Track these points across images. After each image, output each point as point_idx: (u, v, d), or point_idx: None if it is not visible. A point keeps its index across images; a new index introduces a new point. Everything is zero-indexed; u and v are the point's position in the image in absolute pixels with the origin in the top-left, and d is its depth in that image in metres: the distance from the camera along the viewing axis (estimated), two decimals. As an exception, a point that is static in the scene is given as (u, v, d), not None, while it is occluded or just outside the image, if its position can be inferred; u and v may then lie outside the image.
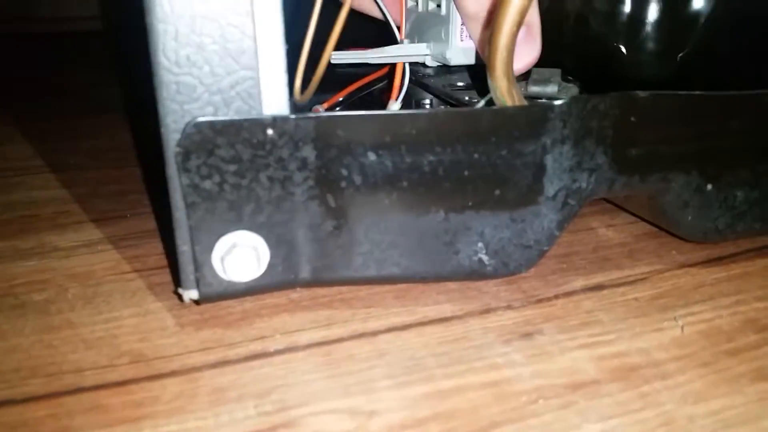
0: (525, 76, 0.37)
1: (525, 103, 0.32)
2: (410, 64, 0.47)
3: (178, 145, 0.27)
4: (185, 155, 0.27)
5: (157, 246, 0.39)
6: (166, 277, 0.36)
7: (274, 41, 0.28)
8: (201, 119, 0.27)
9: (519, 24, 0.29)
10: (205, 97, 0.27)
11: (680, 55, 0.40)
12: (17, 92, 0.84)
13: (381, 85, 0.52)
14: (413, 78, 0.48)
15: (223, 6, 0.26)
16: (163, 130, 0.27)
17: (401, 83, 0.41)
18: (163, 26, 0.26)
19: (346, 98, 0.55)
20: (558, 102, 0.30)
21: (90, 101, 0.79)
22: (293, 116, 0.28)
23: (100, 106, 0.76)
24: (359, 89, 0.54)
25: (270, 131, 0.28)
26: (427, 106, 0.49)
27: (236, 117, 0.28)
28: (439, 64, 0.45)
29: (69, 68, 1.01)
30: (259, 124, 0.28)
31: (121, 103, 0.78)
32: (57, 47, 1.18)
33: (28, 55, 1.13)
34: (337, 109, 0.56)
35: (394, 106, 0.40)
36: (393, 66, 0.44)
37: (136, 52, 0.36)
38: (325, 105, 0.55)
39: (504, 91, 0.31)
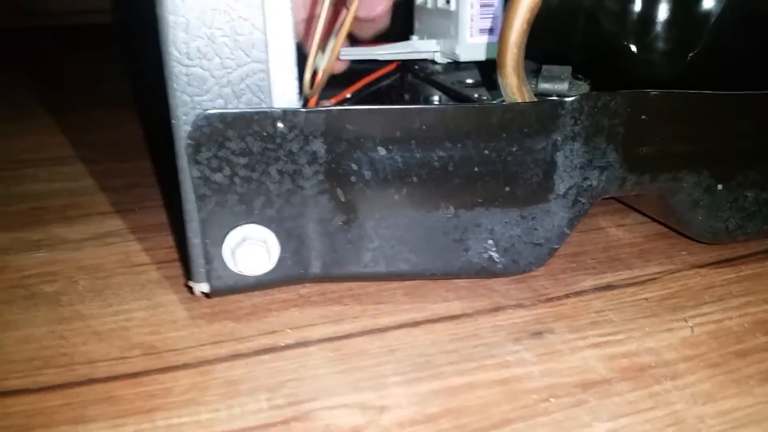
0: (536, 73, 0.37)
1: (535, 100, 0.31)
2: (419, 60, 0.47)
3: (189, 137, 0.27)
4: (196, 147, 0.27)
5: (165, 239, 0.39)
6: (176, 270, 0.36)
7: (284, 34, 0.28)
8: (211, 111, 0.27)
9: (529, 22, 0.29)
10: (216, 89, 0.27)
11: (690, 54, 0.40)
12: (23, 85, 0.85)
13: (389, 81, 0.52)
14: (422, 74, 0.48)
15: (235, -2, 0.26)
16: (174, 121, 0.27)
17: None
18: (174, 18, 0.26)
19: (354, 94, 0.55)
20: (569, 98, 0.30)
21: (96, 94, 0.79)
22: (303, 109, 0.28)
23: (106, 100, 0.76)
24: (367, 85, 0.54)
25: (280, 124, 0.28)
26: (436, 103, 0.49)
27: (246, 109, 0.28)
28: (448, 60, 0.45)
29: (75, 61, 1.01)
30: (269, 116, 0.28)
31: (126, 96, 0.78)
32: (62, 40, 1.19)
33: (33, 48, 1.13)
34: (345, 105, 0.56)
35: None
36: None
37: (145, 44, 0.36)
38: (333, 101, 0.55)
39: (514, 88, 0.31)
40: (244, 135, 0.28)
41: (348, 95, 0.55)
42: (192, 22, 0.26)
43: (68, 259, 0.37)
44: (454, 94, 0.45)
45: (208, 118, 0.27)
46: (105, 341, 0.30)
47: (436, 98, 0.49)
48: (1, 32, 1.20)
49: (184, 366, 0.28)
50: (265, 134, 0.28)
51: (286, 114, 0.28)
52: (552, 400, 0.26)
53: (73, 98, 0.78)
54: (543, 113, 0.30)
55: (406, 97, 0.51)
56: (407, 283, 0.34)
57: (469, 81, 0.45)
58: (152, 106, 0.69)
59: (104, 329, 0.31)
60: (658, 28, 0.40)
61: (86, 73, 0.92)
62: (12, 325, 0.31)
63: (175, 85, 0.27)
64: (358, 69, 0.50)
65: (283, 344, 0.30)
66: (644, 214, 0.42)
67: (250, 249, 0.29)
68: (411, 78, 0.49)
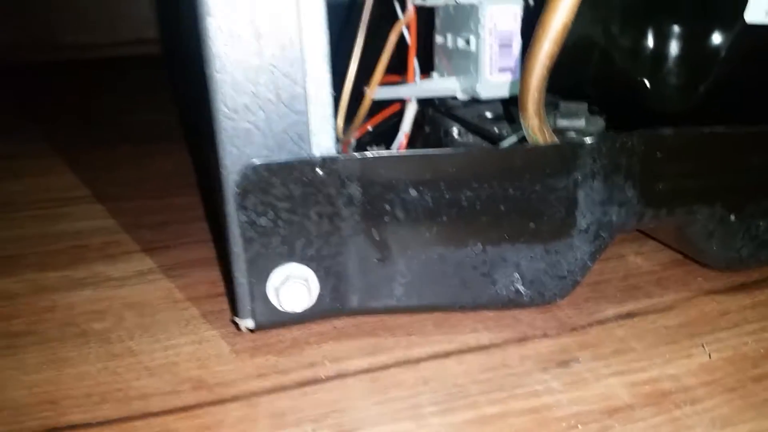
0: (553, 107, 0.39)
1: (555, 139, 0.33)
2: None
3: (237, 185, 0.29)
4: (243, 195, 0.30)
5: (204, 275, 0.41)
6: (217, 305, 0.38)
7: (322, 88, 0.30)
8: (257, 161, 0.29)
9: (549, 68, 0.31)
10: (261, 141, 0.30)
11: (702, 87, 0.42)
12: (50, 121, 0.87)
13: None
14: (442, 108, 0.50)
15: (276, 57, 0.29)
16: (222, 171, 0.30)
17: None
18: (221, 76, 0.28)
19: (376, 127, 0.57)
20: (588, 140, 0.32)
21: (121, 129, 0.82)
22: (341, 156, 0.30)
23: (132, 134, 0.78)
24: (388, 118, 0.56)
25: (319, 171, 0.30)
26: (455, 135, 0.50)
27: (289, 158, 0.30)
28: (469, 97, 0.46)
29: (99, 95, 1.04)
30: (310, 164, 0.30)
31: (151, 130, 0.80)
32: (89, 75, 1.21)
33: (57, 83, 1.16)
34: (366, 138, 0.58)
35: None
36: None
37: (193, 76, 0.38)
38: (357, 134, 0.57)
39: (536, 129, 0.33)
40: (286, 182, 0.30)
41: (370, 128, 0.57)
42: (238, 80, 0.28)
43: (114, 296, 0.39)
44: (474, 128, 0.47)
45: (255, 168, 0.29)
46: (156, 376, 0.32)
47: (455, 131, 0.51)
48: (26, 67, 1.24)
49: (233, 399, 0.30)
50: (305, 180, 0.30)
51: (324, 161, 0.30)
52: (579, 426, 0.28)
53: (101, 133, 0.80)
54: (564, 154, 0.32)
55: (427, 129, 0.53)
56: (437, 314, 0.36)
57: (489, 115, 0.47)
58: (180, 143, 0.72)
59: (154, 365, 0.33)
60: (670, 63, 0.42)
61: (113, 107, 0.95)
62: (68, 363, 0.33)
63: (224, 138, 0.29)
64: (378, 100, 0.52)
65: (323, 376, 0.32)
66: (661, 242, 0.44)
67: (293, 287, 0.31)
68: (432, 111, 0.52)
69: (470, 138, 0.49)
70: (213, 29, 0.27)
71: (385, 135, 0.57)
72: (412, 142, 0.52)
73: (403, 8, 0.39)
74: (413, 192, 0.32)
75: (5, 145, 0.75)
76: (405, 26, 0.44)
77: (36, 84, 1.14)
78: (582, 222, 0.33)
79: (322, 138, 0.31)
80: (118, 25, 1.35)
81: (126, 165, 0.67)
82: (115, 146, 0.74)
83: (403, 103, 0.52)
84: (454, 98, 0.48)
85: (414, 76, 0.45)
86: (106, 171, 0.65)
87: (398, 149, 0.47)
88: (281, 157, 0.30)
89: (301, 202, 0.31)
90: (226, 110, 0.29)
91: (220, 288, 0.40)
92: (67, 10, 1.32)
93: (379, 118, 0.56)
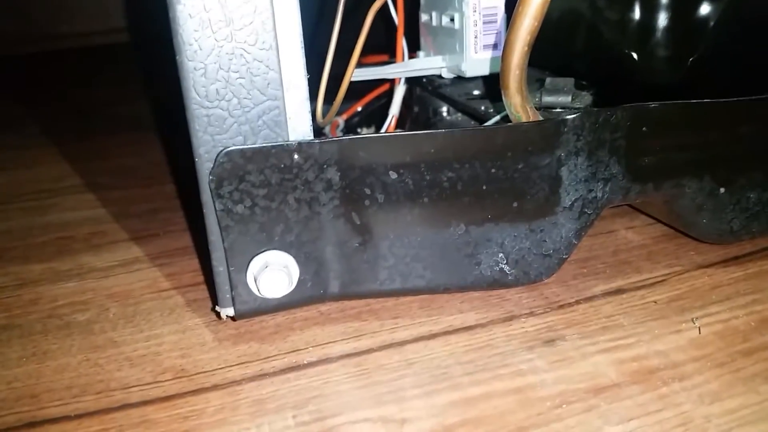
0: (540, 83, 0.39)
1: (539, 117, 0.33)
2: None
3: (212, 173, 0.29)
4: (218, 182, 0.29)
5: (190, 263, 0.41)
6: (201, 293, 0.38)
7: (297, 72, 0.29)
8: (232, 148, 0.29)
9: (529, 44, 0.31)
10: (235, 128, 0.29)
11: (690, 59, 0.41)
12: (38, 113, 0.87)
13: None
14: (429, 87, 0.49)
15: (249, 43, 0.28)
16: (196, 159, 0.29)
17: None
18: (193, 64, 0.28)
19: (364, 108, 0.57)
20: (570, 116, 0.32)
21: (111, 119, 0.81)
22: (318, 141, 0.30)
23: (122, 124, 0.78)
24: (377, 98, 0.55)
25: (296, 156, 0.30)
26: (444, 114, 0.50)
27: (264, 144, 0.29)
28: (455, 75, 0.46)
29: (87, 85, 1.03)
30: (286, 149, 0.30)
31: (142, 119, 0.80)
32: (76, 64, 1.21)
33: (43, 73, 1.15)
34: (356, 119, 0.57)
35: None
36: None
37: (163, 67, 0.37)
38: (344, 116, 0.56)
39: (518, 107, 0.32)
40: (262, 168, 0.29)
41: (359, 108, 0.57)
42: (210, 66, 0.28)
43: (98, 287, 0.39)
44: (461, 107, 0.46)
45: (229, 155, 0.29)
46: (138, 366, 0.32)
47: (444, 110, 0.50)
48: (9, 59, 1.23)
49: (214, 387, 0.30)
50: (282, 166, 0.30)
51: (301, 146, 0.30)
52: (564, 406, 0.28)
53: (90, 123, 0.80)
54: (546, 131, 0.31)
55: (415, 109, 0.52)
56: (422, 296, 0.36)
57: (476, 92, 0.46)
58: (168, 130, 0.72)
59: (136, 355, 0.32)
60: (658, 35, 0.41)
61: (100, 97, 0.94)
62: (49, 355, 0.33)
63: (197, 126, 0.28)
64: (365, 82, 0.52)
65: (306, 362, 0.31)
66: (652, 217, 0.43)
67: (272, 274, 0.31)
68: (419, 91, 0.51)
69: (459, 117, 0.49)
70: (182, 16, 0.27)
71: (374, 115, 0.57)
72: (401, 123, 0.51)
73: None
74: (393, 174, 0.31)
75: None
76: (392, 4, 0.43)
77: (20, 75, 1.13)
78: (566, 199, 0.33)
79: (299, 123, 0.30)
80: (98, 13, 1.34)
81: (115, 154, 0.66)
82: (103, 136, 0.73)
83: (391, 82, 0.51)
84: (441, 77, 0.47)
85: (403, 56, 0.44)
86: (95, 161, 0.64)
87: (387, 131, 0.47)
88: (256, 143, 0.30)
89: (278, 188, 0.30)
90: (197, 97, 0.28)
91: (205, 276, 0.39)
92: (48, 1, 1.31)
93: (367, 98, 0.55)
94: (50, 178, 0.60)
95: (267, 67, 0.29)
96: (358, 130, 0.58)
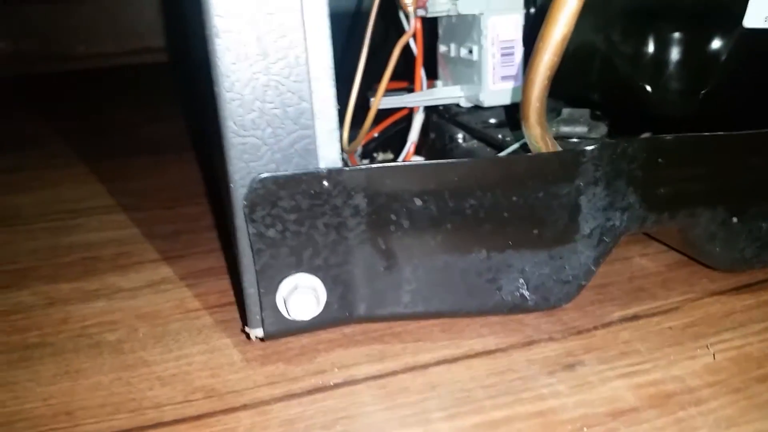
0: (555, 113, 0.40)
1: (558, 147, 0.34)
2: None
3: (246, 199, 0.30)
4: (252, 207, 0.30)
5: (216, 284, 0.42)
6: (228, 314, 0.39)
7: (328, 103, 0.31)
8: (265, 175, 0.30)
9: (549, 78, 0.32)
10: (268, 155, 0.30)
11: (702, 92, 0.42)
12: (61, 132, 0.88)
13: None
14: (446, 115, 0.50)
15: (284, 75, 0.29)
16: (231, 185, 0.30)
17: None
18: (230, 95, 0.29)
19: (382, 134, 0.58)
20: (589, 147, 0.33)
21: (133, 139, 0.83)
22: (346, 168, 0.31)
23: (144, 144, 0.79)
24: (394, 124, 0.56)
25: (326, 183, 0.31)
26: (460, 141, 0.51)
27: (296, 171, 0.31)
28: (472, 104, 0.47)
29: (110, 105, 1.05)
30: (316, 176, 0.31)
31: (164, 140, 0.81)
32: (94, 84, 1.23)
33: (65, 93, 1.17)
34: (372, 144, 0.58)
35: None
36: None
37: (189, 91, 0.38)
38: (363, 141, 0.58)
39: (538, 138, 0.33)
40: (294, 194, 0.31)
41: (375, 134, 0.58)
42: (246, 98, 0.29)
43: (126, 307, 0.40)
44: (478, 134, 0.47)
45: (263, 182, 0.30)
46: (169, 385, 0.33)
47: (460, 136, 0.51)
48: (32, 78, 1.25)
49: (244, 407, 0.31)
50: (312, 192, 0.31)
51: (330, 173, 0.31)
52: (585, 429, 0.29)
53: (112, 143, 0.81)
54: (566, 162, 0.33)
55: (432, 136, 0.53)
56: (443, 319, 0.37)
57: (492, 120, 0.47)
58: (192, 152, 0.73)
59: (167, 374, 0.33)
60: (671, 68, 0.43)
61: (123, 117, 0.96)
62: (82, 373, 0.34)
63: (233, 154, 0.30)
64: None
65: (332, 383, 0.32)
66: (665, 244, 0.44)
67: (301, 296, 0.32)
68: (436, 117, 0.52)
69: (474, 143, 0.50)
70: (221, 50, 0.28)
71: (390, 140, 0.58)
72: (417, 149, 0.52)
73: (408, 20, 0.40)
74: (418, 201, 0.32)
75: (16, 158, 0.77)
76: (411, 38, 0.45)
77: (40, 94, 1.15)
78: (585, 227, 0.34)
79: (328, 150, 0.31)
80: (123, 34, 1.36)
81: (137, 175, 0.68)
82: (126, 157, 0.75)
83: (409, 109, 0.53)
84: (458, 105, 0.48)
85: (421, 85, 0.46)
86: (117, 181, 0.65)
87: (406, 157, 0.48)
88: (288, 170, 0.31)
89: (308, 213, 0.31)
90: (234, 126, 0.29)
91: (231, 297, 0.41)
92: (72, 21, 1.34)
93: (384, 124, 0.56)
94: (74, 198, 0.61)
95: (300, 98, 0.30)
96: (374, 154, 0.60)
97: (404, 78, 0.53)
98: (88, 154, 0.76)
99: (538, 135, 0.33)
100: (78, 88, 1.20)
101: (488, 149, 0.46)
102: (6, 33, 1.32)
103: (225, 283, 0.42)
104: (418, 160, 0.53)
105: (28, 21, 1.32)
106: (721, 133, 0.35)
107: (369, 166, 0.31)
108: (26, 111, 1.02)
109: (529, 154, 0.34)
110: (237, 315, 0.38)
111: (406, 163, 0.32)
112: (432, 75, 0.51)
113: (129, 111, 0.99)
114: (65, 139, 0.84)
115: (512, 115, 0.47)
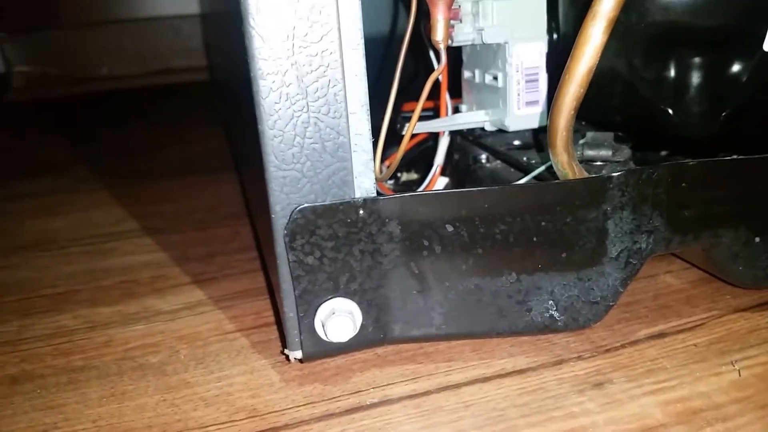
0: (580, 138, 0.41)
1: (584, 173, 0.35)
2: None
3: (286, 228, 0.32)
4: (292, 236, 0.32)
5: (252, 306, 0.44)
6: (265, 335, 0.40)
7: (363, 137, 0.32)
8: (305, 206, 0.31)
9: (575, 108, 0.33)
10: (308, 187, 0.32)
11: (723, 114, 0.43)
12: (90, 156, 0.90)
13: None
14: (470, 137, 0.52)
15: (323, 112, 0.31)
16: (272, 216, 0.32)
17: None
18: (273, 132, 0.31)
19: (405, 154, 0.59)
20: (615, 173, 0.34)
21: (162, 162, 0.84)
22: (381, 197, 0.33)
23: (173, 167, 0.81)
24: (417, 145, 0.58)
25: (361, 211, 0.32)
26: (484, 162, 0.52)
27: (333, 201, 0.32)
28: (497, 128, 0.48)
29: (137, 127, 1.07)
30: (353, 206, 0.32)
31: (188, 162, 0.83)
32: (119, 105, 1.25)
33: (89, 115, 1.19)
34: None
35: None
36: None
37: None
38: (387, 162, 0.59)
39: (565, 164, 0.35)
40: (331, 223, 0.32)
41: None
42: (287, 134, 0.31)
43: (166, 330, 0.42)
44: (503, 157, 0.49)
45: (302, 212, 0.31)
46: (212, 406, 0.34)
47: (483, 157, 0.52)
48: (57, 101, 1.27)
49: (285, 426, 0.32)
50: (348, 221, 0.32)
51: (366, 202, 0.32)
52: (616, 447, 0.30)
53: (138, 166, 0.83)
54: (593, 187, 0.34)
55: (456, 156, 0.55)
56: (474, 340, 0.38)
57: (516, 143, 0.49)
58: (218, 173, 0.74)
59: (210, 395, 0.35)
60: (692, 92, 0.44)
61: (147, 139, 0.97)
62: (127, 395, 0.35)
63: (274, 186, 0.31)
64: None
65: (368, 403, 0.34)
66: (689, 262, 0.45)
67: (339, 320, 0.33)
68: (460, 139, 0.53)
69: (498, 164, 0.51)
70: (265, 90, 0.30)
71: (414, 160, 0.59)
72: (442, 170, 0.53)
73: (438, 56, 0.41)
74: (449, 227, 0.34)
75: (47, 182, 0.78)
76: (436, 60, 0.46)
77: (64, 117, 1.17)
78: (612, 250, 0.35)
79: (363, 181, 0.33)
80: (146, 55, 1.39)
81: (167, 197, 0.69)
82: (153, 179, 0.76)
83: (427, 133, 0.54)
84: (482, 129, 0.50)
85: (447, 112, 0.47)
86: (148, 204, 0.67)
87: (432, 179, 0.49)
88: (326, 200, 0.32)
89: (345, 240, 0.33)
90: (275, 161, 0.31)
91: (267, 318, 0.42)
92: (96, 43, 1.36)
93: (408, 146, 0.57)
94: (107, 222, 0.63)
95: (337, 133, 0.31)
96: (398, 174, 0.61)
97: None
98: (116, 177, 0.77)
99: (565, 161, 0.34)
100: (103, 111, 1.22)
101: (512, 170, 0.48)
102: (33, 58, 1.35)
103: (259, 304, 0.44)
104: (444, 180, 0.55)
105: (53, 45, 1.34)
106: (742, 157, 0.36)
107: (403, 195, 0.33)
108: (52, 134, 1.04)
109: (557, 181, 0.35)
110: (274, 336, 0.40)
111: (438, 191, 0.33)
112: (453, 94, 0.52)
113: (154, 133, 1.01)
114: (92, 162, 0.86)
115: (535, 137, 0.48)
